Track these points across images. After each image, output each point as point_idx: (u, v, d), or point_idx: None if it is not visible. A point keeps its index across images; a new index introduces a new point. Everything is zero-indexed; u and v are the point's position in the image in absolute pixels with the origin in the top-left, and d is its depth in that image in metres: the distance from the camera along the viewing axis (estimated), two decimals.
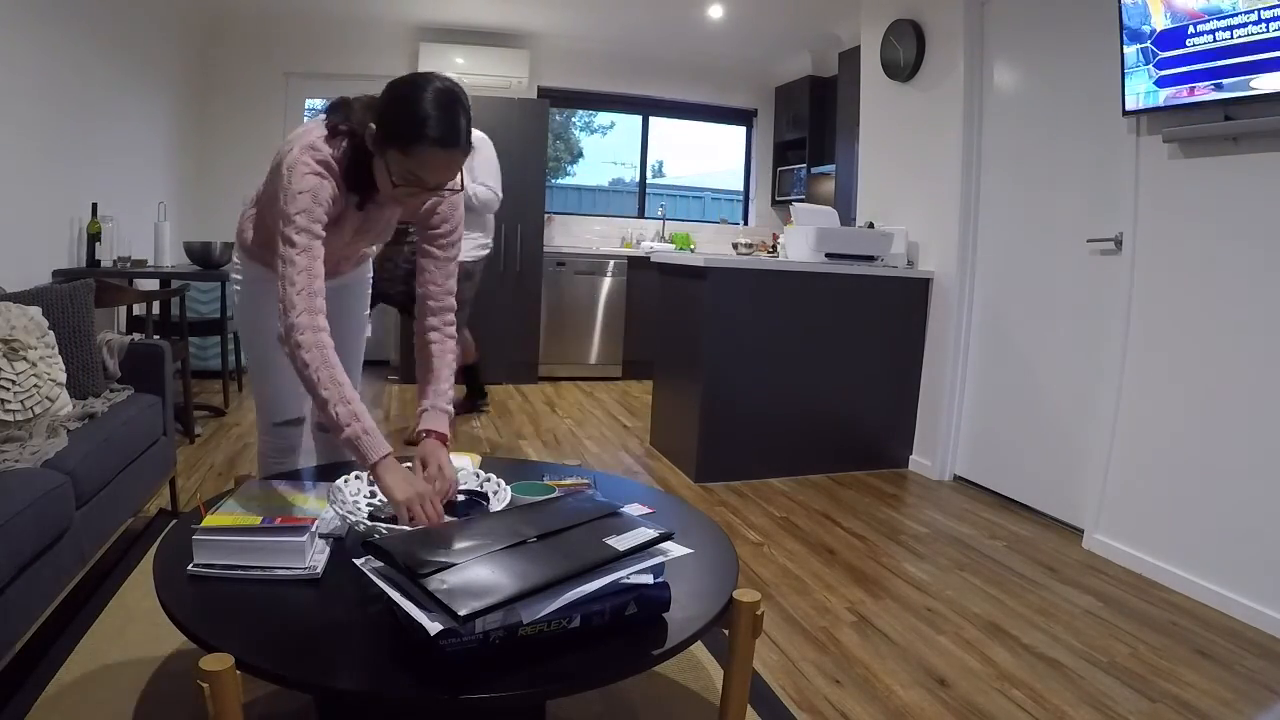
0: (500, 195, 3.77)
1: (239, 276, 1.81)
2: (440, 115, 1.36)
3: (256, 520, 1.24)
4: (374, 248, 1.93)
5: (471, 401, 4.31)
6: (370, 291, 2.04)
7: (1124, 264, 2.62)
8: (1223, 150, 2.31)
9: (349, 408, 1.37)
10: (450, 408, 1.64)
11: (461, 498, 1.43)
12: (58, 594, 1.68)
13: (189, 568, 1.21)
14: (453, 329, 1.70)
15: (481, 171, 3.64)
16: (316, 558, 1.26)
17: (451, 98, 1.38)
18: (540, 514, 1.24)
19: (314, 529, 1.27)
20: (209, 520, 1.25)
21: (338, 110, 1.51)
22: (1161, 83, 2.39)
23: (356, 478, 1.50)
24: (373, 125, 1.41)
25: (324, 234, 1.45)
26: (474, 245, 3.73)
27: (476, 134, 2.86)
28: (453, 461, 1.51)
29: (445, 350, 1.68)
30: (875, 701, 1.71)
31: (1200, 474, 2.36)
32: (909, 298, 3.52)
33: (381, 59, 5.48)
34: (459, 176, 1.49)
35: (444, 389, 1.65)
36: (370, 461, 1.35)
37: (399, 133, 1.37)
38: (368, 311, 2.04)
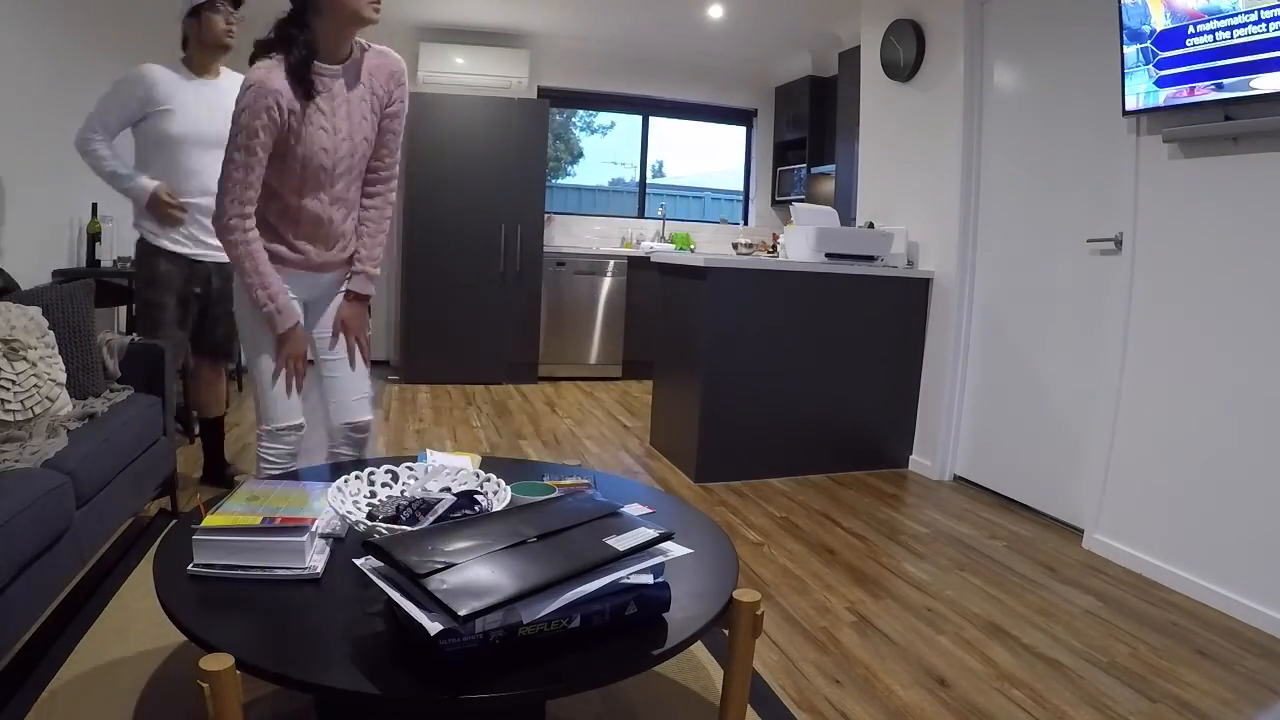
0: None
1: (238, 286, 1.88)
2: None
3: (256, 520, 1.25)
4: (349, 221, 1.96)
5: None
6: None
7: (1124, 264, 2.62)
8: (1223, 150, 2.31)
9: (266, 291, 1.73)
10: (376, 271, 1.97)
11: (454, 498, 1.43)
12: (58, 594, 1.68)
13: (189, 568, 1.22)
14: (392, 197, 1.99)
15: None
16: (316, 558, 1.26)
17: None
18: (540, 514, 1.24)
19: (314, 529, 1.27)
20: (209, 520, 1.25)
21: (260, 39, 1.72)
22: (1161, 83, 2.39)
23: (357, 478, 1.50)
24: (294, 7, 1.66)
25: (260, 152, 1.67)
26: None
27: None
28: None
29: (383, 216, 1.98)
30: (875, 701, 1.71)
31: (1200, 474, 2.36)
32: (909, 298, 3.52)
33: None
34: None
35: (376, 254, 1.97)
36: (279, 331, 1.76)
37: None
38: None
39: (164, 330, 2.59)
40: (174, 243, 2.56)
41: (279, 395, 1.87)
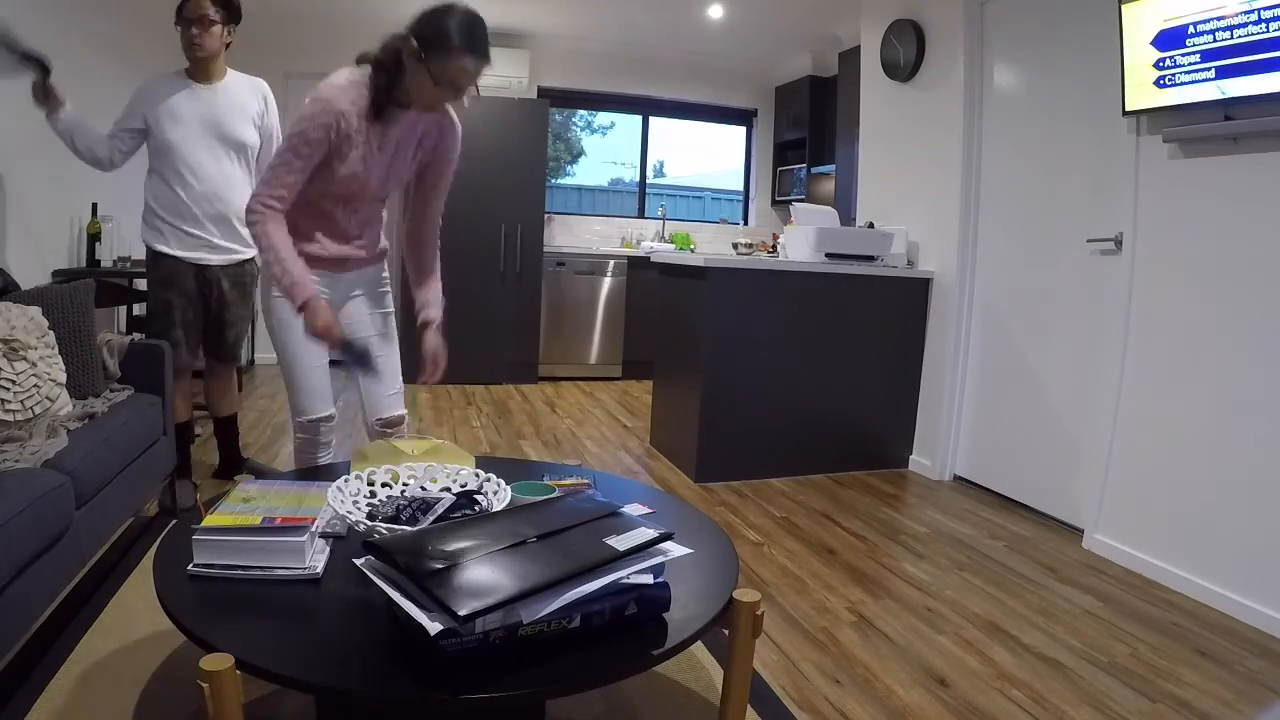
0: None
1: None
2: (474, 30, 1.68)
3: (256, 520, 1.24)
4: (383, 242, 2.09)
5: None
6: (390, 291, 2.15)
7: (1124, 264, 2.62)
8: (1223, 150, 2.31)
9: (283, 266, 1.73)
10: (440, 299, 2.07)
11: (454, 498, 1.43)
12: (58, 594, 1.68)
13: (189, 568, 1.21)
14: (434, 245, 2.08)
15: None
16: (316, 558, 1.26)
17: (475, 16, 1.70)
18: (540, 514, 1.24)
19: (314, 529, 1.27)
20: (209, 520, 1.25)
21: (365, 52, 1.79)
22: (1161, 83, 2.39)
23: (357, 478, 1.50)
24: (412, 40, 1.68)
25: (308, 159, 1.73)
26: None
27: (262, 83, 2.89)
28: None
29: (435, 258, 2.09)
30: (875, 701, 1.71)
31: (1200, 474, 2.36)
32: (909, 298, 3.52)
33: None
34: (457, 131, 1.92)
35: (439, 291, 2.08)
36: (298, 302, 1.73)
37: (437, 45, 1.66)
38: (391, 310, 2.13)
39: (174, 333, 2.62)
40: (181, 249, 2.59)
41: (310, 387, 1.95)
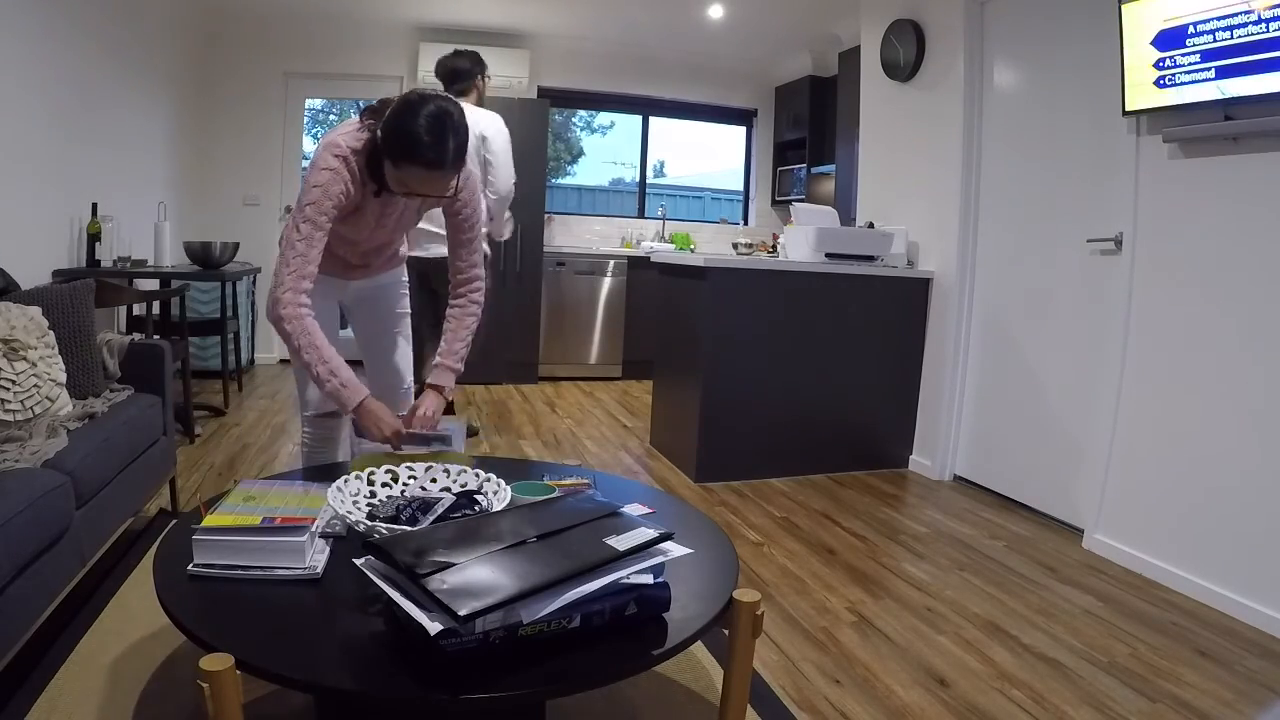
0: (509, 185, 3.75)
1: None
2: (430, 140, 1.50)
3: (256, 520, 1.24)
4: (403, 249, 2.08)
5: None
6: (407, 294, 2.14)
7: (1124, 264, 2.62)
8: (1223, 150, 2.31)
9: (327, 367, 1.63)
10: (459, 366, 1.88)
11: (454, 498, 1.43)
12: (58, 594, 1.68)
13: (189, 568, 1.21)
14: (477, 297, 1.93)
15: (498, 167, 3.61)
16: (316, 558, 1.26)
17: (442, 121, 1.51)
18: (540, 514, 1.24)
19: (314, 529, 1.27)
20: (209, 520, 1.25)
21: (374, 107, 1.66)
22: (1161, 82, 2.39)
23: (357, 478, 1.50)
24: (378, 133, 1.57)
25: (327, 227, 1.63)
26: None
27: (489, 122, 3.42)
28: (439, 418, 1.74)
29: (465, 314, 1.91)
30: (875, 701, 1.71)
31: (1200, 474, 2.36)
32: (909, 298, 3.52)
33: (381, 59, 5.49)
34: (454, 186, 1.68)
35: (457, 349, 1.89)
36: (350, 407, 1.63)
37: (393, 148, 1.54)
38: (405, 311, 2.14)
39: (421, 330, 3.08)
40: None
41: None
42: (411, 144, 1.51)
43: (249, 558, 1.22)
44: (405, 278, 2.12)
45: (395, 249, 2.03)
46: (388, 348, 2.09)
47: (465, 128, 1.56)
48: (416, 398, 1.84)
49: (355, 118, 1.69)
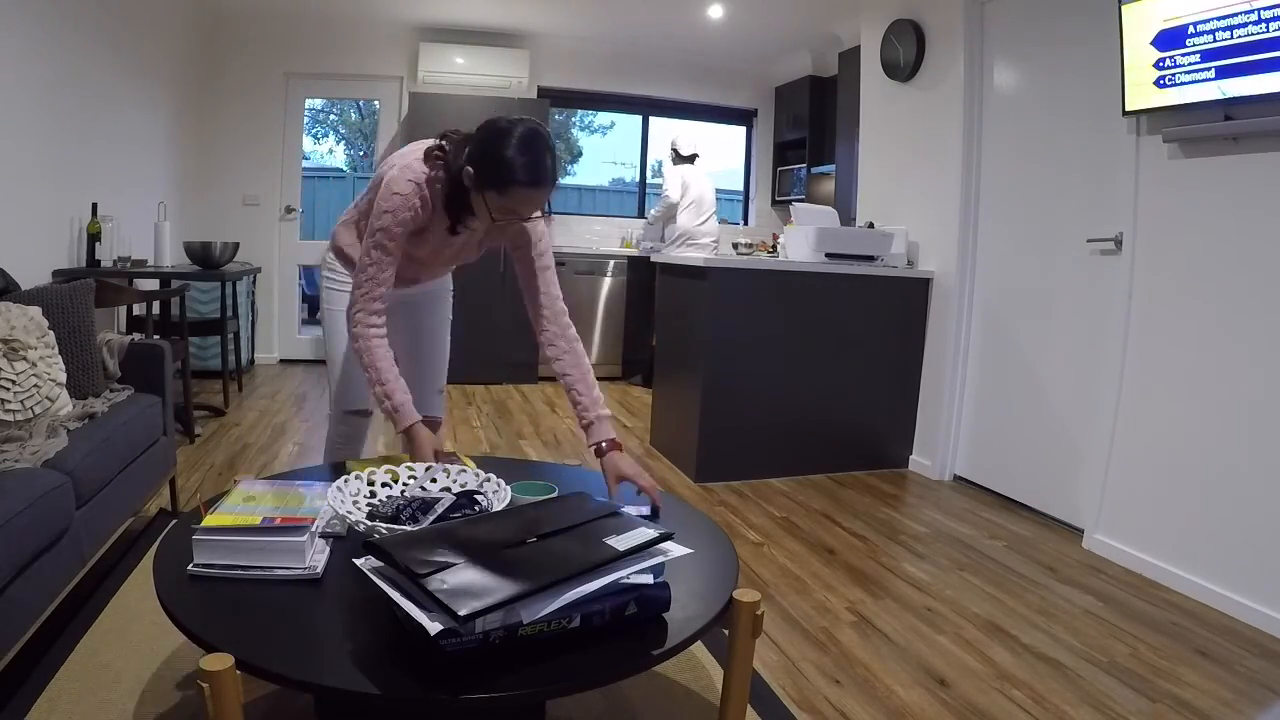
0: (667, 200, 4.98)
1: (330, 275, 1.97)
2: (530, 160, 1.53)
3: (256, 520, 1.24)
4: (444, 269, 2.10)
5: None
6: (451, 301, 2.21)
7: (1124, 264, 2.62)
8: (1223, 150, 2.31)
9: (383, 388, 1.67)
10: (607, 411, 1.80)
11: (454, 498, 1.43)
12: (58, 594, 1.68)
13: (189, 567, 1.21)
14: (572, 331, 1.90)
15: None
16: (316, 558, 1.26)
17: (536, 140, 1.55)
18: (540, 514, 1.24)
19: (314, 529, 1.26)
20: (209, 520, 1.24)
21: (441, 146, 1.67)
22: (1161, 82, 2.39)
23: (357, 478, 1.50)
24: (469, 169, 1.58)
25: (396, 251, 1.68)
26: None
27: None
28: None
29: (577, 357, 1.87)
30: (875, 701, 1.71)
31: (1200, 474, 2.36)
32: (909, 298, 3.52)
33: (381, 59, 5.49)
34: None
35: (596, 396, 1.80)
36: (400, 429, 1.66)
37: (495, 177, 1.55)
38: (448, 317, 2.21)
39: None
40: None
41: (351, 381, 1.98)
42: (515, 168, 1.53)
43: (249, 558, 1.22)
44: (451, 286, 2.19)
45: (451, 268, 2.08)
46: (427, 350, 2.14)
47: (552, 143, 1.60)
48: (600, 456, 1.75)
49: (418, 143, 1.70)
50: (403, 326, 2.12)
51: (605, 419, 1.77)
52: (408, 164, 1.67)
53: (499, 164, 1.53)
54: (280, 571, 1.21)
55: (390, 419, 1.68)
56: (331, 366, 2.00)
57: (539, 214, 1.68)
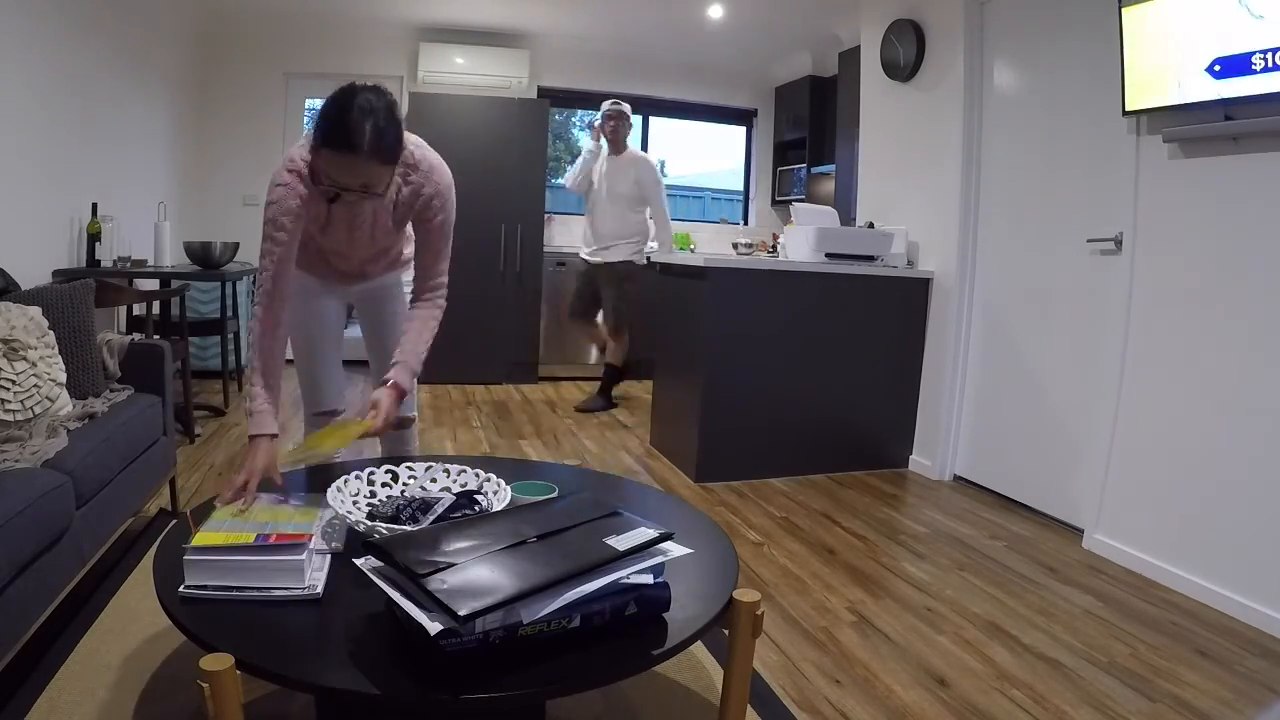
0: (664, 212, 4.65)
1: None
2: (344, 121, 1.46)
3: (249, 538, 1.19)
4: (407, 251, 2.05)
5: (604, 400, 4.60)
6: (406, 295, 2.12)
7: (1124, 264, 2.62)
8: (1223, 150, 2.31)
9: (251, 388, 1.62)
10: (419, 366, 1.83)
11: (454, 498, 1.43)
12: (58, 594, 1.68)
13: (180, 590, 1.16)
14: (442, 303, 1.90)
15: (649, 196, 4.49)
16: (315, 575, 1.21)
17: (361, 107, 1.47)
18: (540, 514, 1.24)
19: (311, 545, 1.21)
20: (199, 538, 1.19)
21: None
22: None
23: (356, 478, 1.50)
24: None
25: (288, 243, 1.63)
26: (628, 248, 4.51)
27: (635, 157, 4.54)
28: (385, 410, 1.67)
29: (429, 318, 1.87)
30: (875, 701, 1.71)
31: (1200, 474, 2.36)
32: (909, 298, 3.52)
33: (381, 59, 5.49)
34: (384, 182, 1.58)
35: (420, 350, 1.83)
36: (250, 433, 1.58)
37: (315, 136, 1.52)
38: (401, 309, 2.12)
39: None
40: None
41: (319, 383, 2.00)
42: (327, 128, 1.48)
43: (244, 578, 1.16)
44: (406, 276, 2.11)
45: (394, 256, 2.02)
46: (389, 344, 2.08)
47: (394, 120, 1.51)
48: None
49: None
50: (366, 324, 2.15)
51: (406, 368, 1.78)
52: (290, 154, 1.64)
53: (319, 122, 1.50)
54: (278, 592, 1.16)
55: (248, 421, 1.61)
56: (302, 369, 2.04)
57: (370, 190, 1.56)
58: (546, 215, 5.47)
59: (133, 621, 1.82)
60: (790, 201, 5.14)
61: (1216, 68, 2.21)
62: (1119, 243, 2.65)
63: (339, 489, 1.41)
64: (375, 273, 2.02)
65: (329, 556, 1.29)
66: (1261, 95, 2.12)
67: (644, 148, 6.39)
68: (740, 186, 6.66)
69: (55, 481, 1.64)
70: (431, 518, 1.34)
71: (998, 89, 3.25)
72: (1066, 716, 1.68)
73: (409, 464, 1.59)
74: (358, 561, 1.13)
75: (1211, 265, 2.35)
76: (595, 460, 3.50)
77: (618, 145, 4.48)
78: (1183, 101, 2.33)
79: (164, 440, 2.43)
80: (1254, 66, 2.12)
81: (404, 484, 1.55)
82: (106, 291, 2.73)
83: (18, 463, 1.67)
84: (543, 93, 5.76)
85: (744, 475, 3.33)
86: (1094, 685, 1.81)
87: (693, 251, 6.06)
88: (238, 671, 0.96)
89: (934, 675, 1.83)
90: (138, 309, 3.63)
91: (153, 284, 3.84)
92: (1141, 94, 2.44)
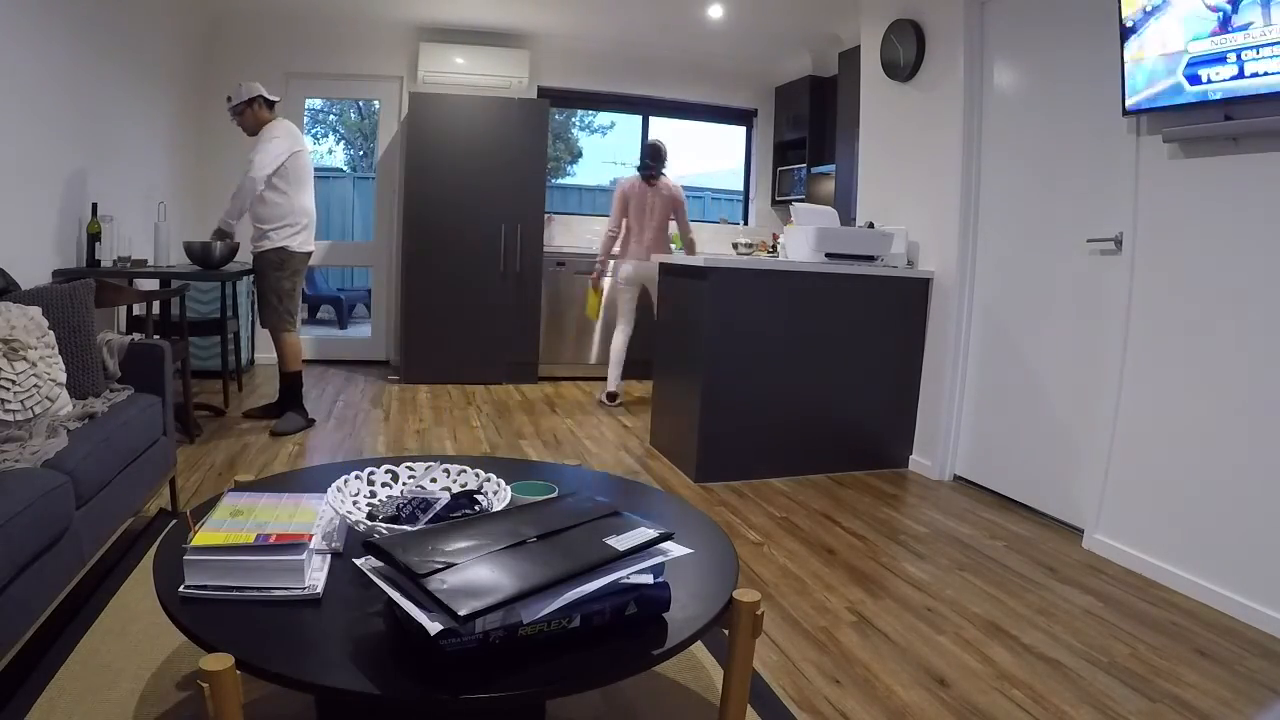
0: (255, 177, 3.60)
1: None
2: None
3: (249, 538, 1.19)
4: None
5: (280, 409, 3.83)
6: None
7: (1124, 264, 2.62)
8: (1223, 150, 2.31)
9: None
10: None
11: (454, 498, 1.43)
12: (58, 594, 1.68)
13: (180, 590, 1.16)
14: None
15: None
16: (315, 576, 1.21)
17: None
18: (540, 514, 1.24)
19: (311, 545, 1.21)
20: (199, 539, 1.19)
21: None
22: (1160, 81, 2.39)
23: (356, 478, 1.50)
24: None
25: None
26: (278, 233, 3.69)
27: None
28: None
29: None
30: (875, 701, 1.71)
31: (1200, 474, 2.36)
32: (909, 298, 3.52)
33: (381, 59, 5.49)
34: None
35: None
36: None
37: None
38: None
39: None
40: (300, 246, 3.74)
41: None
42: None
43: (244, 578, 1.17)
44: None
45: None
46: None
47: None
48: None
49: None
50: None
51: None
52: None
53: None
54: (278, 592, 1.17)
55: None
56: None
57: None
58: (546, 215, 5.47)
59: (133, 621, 1.82)
60: (790, 201, 5.14)
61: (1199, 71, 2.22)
62: (1119, 243, 2.65)
63: (339, 489, 1.41)
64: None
65: (329, 556, 1.29)
66: (1261, 95, 2.12)
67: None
68: (740, 186, 6.66)
69: (55, 481, 1.64)
70: (431, 517, 1.34)
71: (998, 89, 3.25)
72: (1066, 716, 1.68)
73: (409, 464, 1.59)
74: (358, 561, 1.13)
75: (1212, 265, 2.35)
76: (595, 460, 3.50)
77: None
78: (1183, 101, 2.33)
79: (164, 440, 2.43)
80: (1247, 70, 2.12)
81: (404, 484, 1.55)
82: (106, 291, 2.73)
83: (18, 463, 1.67)
84: (543, 93, 5.76)
85: (744, 475, 3.33)
86: (1094, 685, 1.81)
87: None
88: (238, 671, 0.96)
89: (934, 675, 1.83)
90: (138, 309, 3.63)
91: (153, 284, 3.84)
92: (1141, 94, 2.44)
